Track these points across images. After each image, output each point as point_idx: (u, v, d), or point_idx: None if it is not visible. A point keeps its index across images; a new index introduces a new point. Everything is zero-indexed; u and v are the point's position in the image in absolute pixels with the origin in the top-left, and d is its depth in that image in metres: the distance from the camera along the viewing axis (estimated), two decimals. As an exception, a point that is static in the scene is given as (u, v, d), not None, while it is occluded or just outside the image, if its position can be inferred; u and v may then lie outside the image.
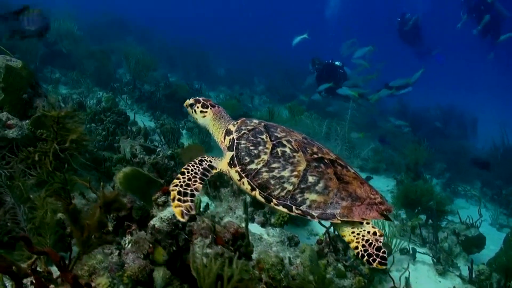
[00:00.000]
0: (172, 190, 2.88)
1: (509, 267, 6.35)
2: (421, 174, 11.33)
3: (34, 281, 2.45)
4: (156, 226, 3.28)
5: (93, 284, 2.92)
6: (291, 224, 6.57)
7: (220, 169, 3.20)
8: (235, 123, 3.39)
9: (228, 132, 3.34)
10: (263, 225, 5.83)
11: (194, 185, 2.94)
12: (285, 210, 2.90)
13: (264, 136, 3.14)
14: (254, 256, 4.04)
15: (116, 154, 6.84)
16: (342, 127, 11.85)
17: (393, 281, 5.43)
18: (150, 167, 6.10)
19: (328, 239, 5.49)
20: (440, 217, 8.28)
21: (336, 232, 5.40)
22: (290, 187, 2.90)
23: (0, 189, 3.38)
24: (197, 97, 3.64)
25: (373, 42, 13.77)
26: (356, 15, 43.95)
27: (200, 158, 3.20)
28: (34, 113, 5.16)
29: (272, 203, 2.92)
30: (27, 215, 3.37)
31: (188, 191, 2.88)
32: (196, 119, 3.62)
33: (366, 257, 2.69)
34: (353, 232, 2.84)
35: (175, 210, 2.77)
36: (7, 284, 2.94)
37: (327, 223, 5.16)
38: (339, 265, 5.21)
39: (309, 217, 2.86)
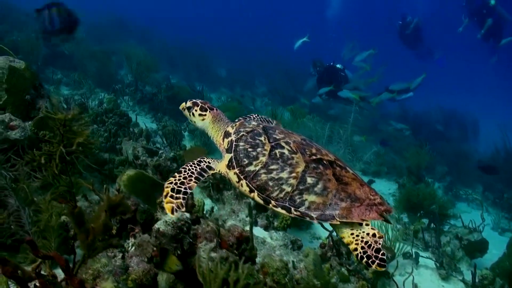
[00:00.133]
0: (166, 187, 2.89)
1: (512, 272, 6.34)
2: (423, 178, 11.31)
3: (38, 284, 2.43)
4: (160, 229, 3.26)
5: (97, 288, 2.90)
6: (294, 227, 6.54)
7: (219, 171, 3.19)
8: (234, 125, 3.38)
9: (226, 134, 3.33)
10: (266, 228, 5.81)
11: (189, 183, 2.95)
12: (283, 211, 2.88)
13: (262, 138, 3.13)
14: (258, 259, 4.02)
15: (118, 156, 6.81)
16: (345, 130, 11.82)
17: (397, 285, 5.40)
18: (152, 169, 6.09)
19: (331, 243, 5.47)
20: (442, 221, 8.25)
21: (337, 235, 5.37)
22: (288, 189, 2.88)
23: (5, 192, 3.35)
24: (195, 100, 3.61)
25: (374, 44, 13.77)
26: (357, 16, 44.05)
27: (199, 159, 3.20)
28: (37, 114, 5.15)
29: (270, 205, 2.91)
30: (32, 218, 3.35)
31: (182, 189, 2.89)
32: (194, 122, 3.59)
33: (365, 259, 2.65)
34: (352, 234, 2.80)
35: (166, 206, 2.79)
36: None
37: (330, 227, 5.13)
38: (343, 269, 5.19)
39: (308, 218, 2.83)
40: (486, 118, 20.52)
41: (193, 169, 3.09)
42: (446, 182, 13.00)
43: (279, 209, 2.88)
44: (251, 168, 3.00)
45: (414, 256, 7.05)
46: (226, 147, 3.25)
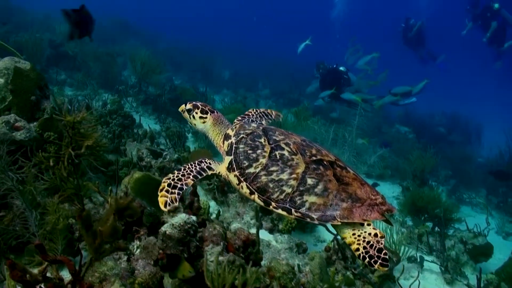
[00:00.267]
0: (164, 182, 3.01)
1: (518, 276, 6.29)
2: (427, 181, 11.26)
3: (44, 288, 2.41)
4: (167, 232, 3.23)
5: (104, 292, 2.88)
6: (298, 230, 6.52)
7: (219, 172, 3.21)
8: (234, 127, 3.38)
9: (226, 137, 3.34)
10: (271, 231, 5.79)
11: (186, 181, 3.03)
12: (284, 213, 2.89)
13: (262, 140, 3.13)
14: (263, 263, 3.99)
15: (122, 157, 6.80)
16: (350, 133, 11.78)
17: (402, 289, 5.37)
18: (157, 171, 6.07)
19: (336, 246, 5.44)
20: (447, 225, 8.21)
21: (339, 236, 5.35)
22: (289, 190, 2.88)
23: (11, 194, 3.33)
24: (195, 102, 3.61)
25: (376, 47, 13.80)
26: (360, 18, 44.00)
27: (200, 159, 3.25)
28: (42, 116, 5.13)
29: (271, 206, 2.91)
30: (38, 220, 3.33)
31: (178, 185, 2.99)
32: (195, 124, 3.59)
33: (367, 259, 2.65)
34: (353, 234, 2.80)
35: (160, 199, 2.91)
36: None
37: (334, 230, 5.11)
38: (348, 273, 5.16)
39: (308, 219, 2.83)
40: (490, 122, 20.49)
41: (192, 167, 3.15)
42: (449, 185, 12.94)
43: (279, 211, 2.89)
44: (251, 170, 3.00)
45: (418, 260, 7.01)
46: (226, 149, 3.27)
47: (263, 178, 2.94)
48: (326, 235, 6.82)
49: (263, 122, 3.77)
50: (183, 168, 3.14)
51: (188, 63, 20.63)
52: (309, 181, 2.88)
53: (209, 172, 3.19)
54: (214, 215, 5.80)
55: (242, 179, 3.02)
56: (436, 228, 8.27)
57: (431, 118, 19.85)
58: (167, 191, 2.95)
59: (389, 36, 26.94)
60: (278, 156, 3.00)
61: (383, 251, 2.65)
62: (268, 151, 3.03)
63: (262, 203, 2.94)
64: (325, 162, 2.99)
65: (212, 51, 23.05)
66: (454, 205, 8.93)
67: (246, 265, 3.35)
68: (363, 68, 14.23)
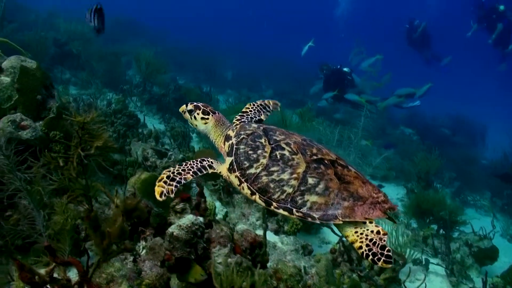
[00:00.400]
0: (163, 174, 3.03)
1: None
2: (431, 183, 11.22)
3: (51, 288, 2.39)
4: (174, 233, 3.21)
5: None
6: (303, 231, 6.49)
7: (220, 172, 3.19)
8: (234, 128, 3.36)
9: (227, 138, 3.32)
10: (276, 232, 5.76)
11: (185, 175, 3.04)
12: (285, 213, 2.86)
13: (262, 140, 3.11)
14: (269, 264, 3.97)
15: (128, 157, 6.77)
16: (355, 135, 11.74)
17: (408, 292, 5.35)
18: (162, 171, 6.04)
19: (342, 248, 5.41)
20: (452, 228, 8.18)
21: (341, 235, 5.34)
22: (290, 190, 2.86)
23: (19, 194, 3.32)
24: (196, 103, 3.57)
25: (381, 48, 13.78)
26: (365, 18, 43.96)
27: (203, 157, 3.25)
28: (48, 115, 5.11)
29: (272, 207, 2.89)
30: (46, 221, 3.31)
31: (177, 178, 3.00)
32: (196, 125, 3.55)
33: (371, 257, 2.61)
34: (356, 232, 2.77)
35: (156, 188, 2.92)
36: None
37: (339, 231, 5.09)
38: (354, 275, 5.13)
39: (310, 219, 2.81)
40: (494, 123, 20.43)
41: (194, 164, 3.15)
42: (453, 187, 12.89)
43: (280, 211, 2.87)
44: (252, 170, 2.99)
45: (424, 262, 6.98)
46: (227, 150, 3.25)
47: (264, 179, 2.93)
48: (331, 236, 6.80)
49: (262, 116, 3.74)
50: (184, 164, 3.15)
51: (190, 63, 20.62)
52: (310, 180, 2.87)
53: (210, 171, 3.17)
54: (219, 216, 5.79)
55: (243, 180, 3.00)
56: (441, 231, 8.24)
57: (435, 119, 19.79)
58: (165, 182, 2.96)
59: (393, 36, 26.93)
60: (278, 156, 2.98)
61: (386, 248, 2.62)
62: (269, 151, 3.02)
63: (263, 204, 2.93)
64: (326, 161, 2.97)
65: (213, 51, 23.01)
66: (459, 208, 8.88)
67: (253, 267, 3.33)
68: (367, 70, 14.22)
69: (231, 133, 3.31)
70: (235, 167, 3.07)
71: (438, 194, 9.45)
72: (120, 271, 3.02)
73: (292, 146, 3.04)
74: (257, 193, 2.93)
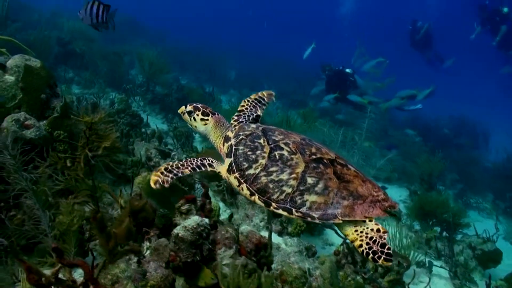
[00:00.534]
0: (162, 166, 3.08)
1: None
2: (434, 185, 11.19)
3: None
4: (180, 235, 3.19)
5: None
6: (306, 233, 6.46)
7: (219, 172, 3.22)
8: (233, 129, 3.37)
9: (226, 139, 3.33)
10: (280, 233, 5.74)
11: (183, 170, 3.09)
12: (285, 213, 2.87)
13: (261, 140, 3.12)
14: (273, 266, 3.95)
15: (131, 157, 6.76)
16: (360, 136, 11.71)
17: (412, 295, 5.32)
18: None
19: (346, 250, 5.39)
20: (455, 230, 8.15)
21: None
22: (289, 190, 2.87)
23: (24, 194, 3.30)
24: (195, 104, 3.57)
25: (383, 49, 13.81)
26: (369, 17, 43.94)
27: (203, 157, 3.28)
28: (52, 114, 5.10)
29: (271, 207, 2.90)
30: (51, 221, 3.29)
31: (174, 171, 3.05)
32: (195, 126, 3.54)
33: (371, 255, 2.62)
34: (356, 231, 2.78)
35: (152, 177, 2.96)
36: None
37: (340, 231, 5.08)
38: (358, 277, 5.10)
39: (309, 219, 2.82)
40: (496, 126, 20.38)
41: (194, 161, 3.21)
42: (456, 189, 12.86)
43: (280, 211, 2.88)
44: (251, 171, 3.00)
45: (427, 265, 6.95)
46: (226, 151, 3.27)
47: (263, 179, 2.94)
48: (334, 238, 6.78)
49: (259, 111, 3.73)
50: (184, 160, 3.20)
51: (191, 63, 20.61)
52: (309, 180, 2.87)
53: (209, 169, 3.21)
54: (222, 217, 5.76)
55: (242, 181, 3.01)
56: (444, 233, 8.21)
57: (438, 121, 19.75)
58: (162, 172, 3.00)
59: (394, 36, 26.89)
60: (277, 156, 2.99)
61: (386, 246, 2.63)
62: (268, 152, 3.02)
63: (262, 204, 2.94)
64: (325, 160, 2.97)
65: (213, 52, 22.99)
66: (462, 210, 8.86)
67: (258, 269, 3.31)
68: (370, 71, 14.22)
69: (230, 134, 3.31)
70: (234, 168, 3.08)
71: (441, 196, 9.42)
72: (125, 272, 3.00)
73: (291, 146, 3.04)
74: (256, 194, 2.95)
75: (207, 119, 3.47)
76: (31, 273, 1.98)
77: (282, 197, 2.87)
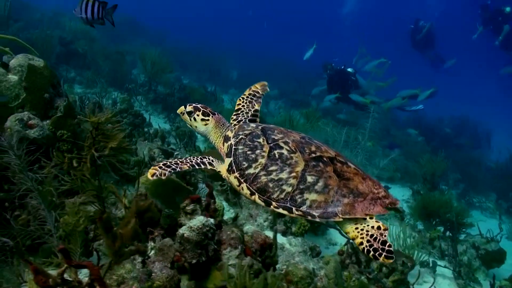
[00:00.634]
0: (162, 161, 3.09)
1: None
2: (437, 185, 11.17)
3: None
4: (185, 235, 3.17)
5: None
6: (310, 233, 6.46)
7: (219, 172, 3.21)
8: (233, 128, 3.36)
9: (226, 139, 3.32)
10: (284, 233, 5.72)
11: (182, 165, 3.09)
12: (285, 212, 2.86)
13: (261, 140, 3.11)
14: (277, 266, 3.94)
15: (133, 157, 6.74)
16: (363, 136, 11.69)
17: (417, 295, 5.30)
18: (168, 171, 6.00)
19: (350, 250, 5.37)
20: (459, 230, 8.13)
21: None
22: (289, 189, 2.86)
23: (30, 194, 3.29)
24: (195, 104, 3.54)
25: (385, 47, 13.83)
26: (370, 17, 43.91)
27: (204, 156, 3.27)
28: (55, 113, 5.09)
29: (272, 206, 2.89)
30: (57, 222, 3.28)
31: (172, 166, 3.06)
32: (196, 127, 3.51)
33: (372, 252, 2.60)
34: (356, 228, 2.76)
35: (150, 170, 2.97)
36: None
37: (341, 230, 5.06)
38: (362, 277, 5.09)
39: (309, 218, 2.81)
40: (498, 126, 20.35)
41: (193, 159, 3.21)
42: (459, 189, 12.86)
43: (280, 210, 2.87)
44: (251, 171, 2.99)
45: (431, 265, 6.93)
46: (226, 151, 3.25)
47: (263, 178, 2.93)
48: (338, 238, 6.77)
49: (256, 105, 3.71)
50: (184, 157, 3.22)
51: (191, 63, 20.63)
52: (309, 178, 2.86)
53: (209, 167, 3.20)
54: (226, 217, 5.75)
55: (242, 180, 3.00)
56: (448, 233, 8.19)
57: (440, 121, 19.74)
58: (160, 167, 3.01)
59: (395, 36, 26.86)
60: (277, 155, 2.98)
61: (387, 243, 2.61)
62: (267, 151, 3.01)
63: (262, 204, 2.93)
64: (324, 159, 2.96)
65: (213, 52, 23.01)
66: (465, 210, 8.84)
67: (263, 269, 3.29)
68: (372, 71, 14.22)
69: (230, 133, 3.31)
70: (234, 167, 3.07)
71: (444, 195, 9.40)
72: (131, 273, 2.99)
73: (290, 145, 3.03)
74: (256, 193, 2.94)
75: (208, 119, 3.46)
76: (39, 274, 1.96)
77: (282, 196, 2.86)
